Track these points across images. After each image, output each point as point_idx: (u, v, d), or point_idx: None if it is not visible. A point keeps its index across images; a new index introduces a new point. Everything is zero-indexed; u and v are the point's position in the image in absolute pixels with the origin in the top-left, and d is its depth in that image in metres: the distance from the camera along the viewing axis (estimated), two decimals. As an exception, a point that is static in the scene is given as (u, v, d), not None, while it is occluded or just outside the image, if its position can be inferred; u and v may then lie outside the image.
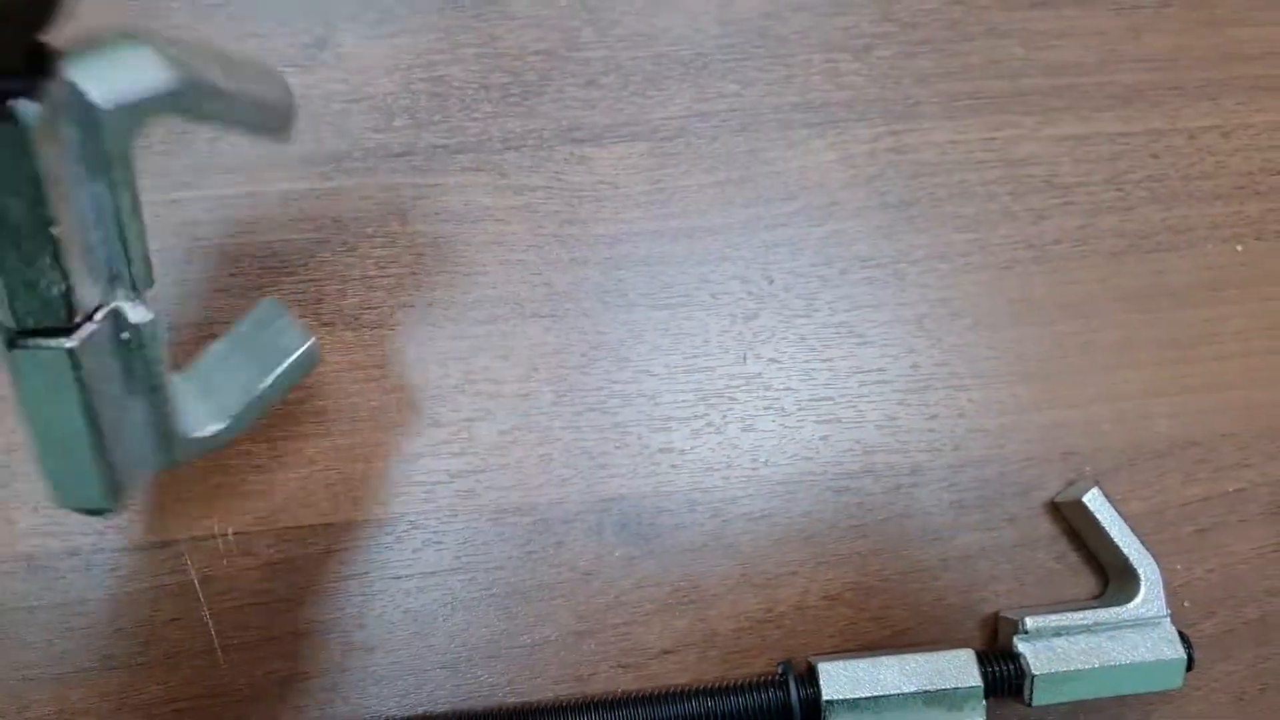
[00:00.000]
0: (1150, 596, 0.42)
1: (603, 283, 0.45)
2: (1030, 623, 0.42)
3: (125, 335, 0.29)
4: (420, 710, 0.42)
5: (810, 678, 0.41)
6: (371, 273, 0.44)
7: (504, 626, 0.43)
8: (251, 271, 0.44)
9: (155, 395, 0.30)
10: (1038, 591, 0.44)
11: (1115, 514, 0.43)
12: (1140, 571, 0.42)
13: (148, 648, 0.41)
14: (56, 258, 0.25)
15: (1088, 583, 0.45)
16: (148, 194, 0.44)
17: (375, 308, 0.44)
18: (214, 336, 0.43)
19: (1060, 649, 0.42)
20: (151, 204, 0.44)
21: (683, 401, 0.44)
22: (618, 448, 0.44)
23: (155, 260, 0.44)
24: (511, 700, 0.42)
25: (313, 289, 0.44)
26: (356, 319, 0.44)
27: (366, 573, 0.43)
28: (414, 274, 0.45)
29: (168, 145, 0.45)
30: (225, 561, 0.42)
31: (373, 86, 0.46)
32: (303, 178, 0.45)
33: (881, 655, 0.41)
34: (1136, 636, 0.42)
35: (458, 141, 0.46)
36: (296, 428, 0.43)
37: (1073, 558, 0.45)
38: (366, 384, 0.44)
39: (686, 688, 0.42)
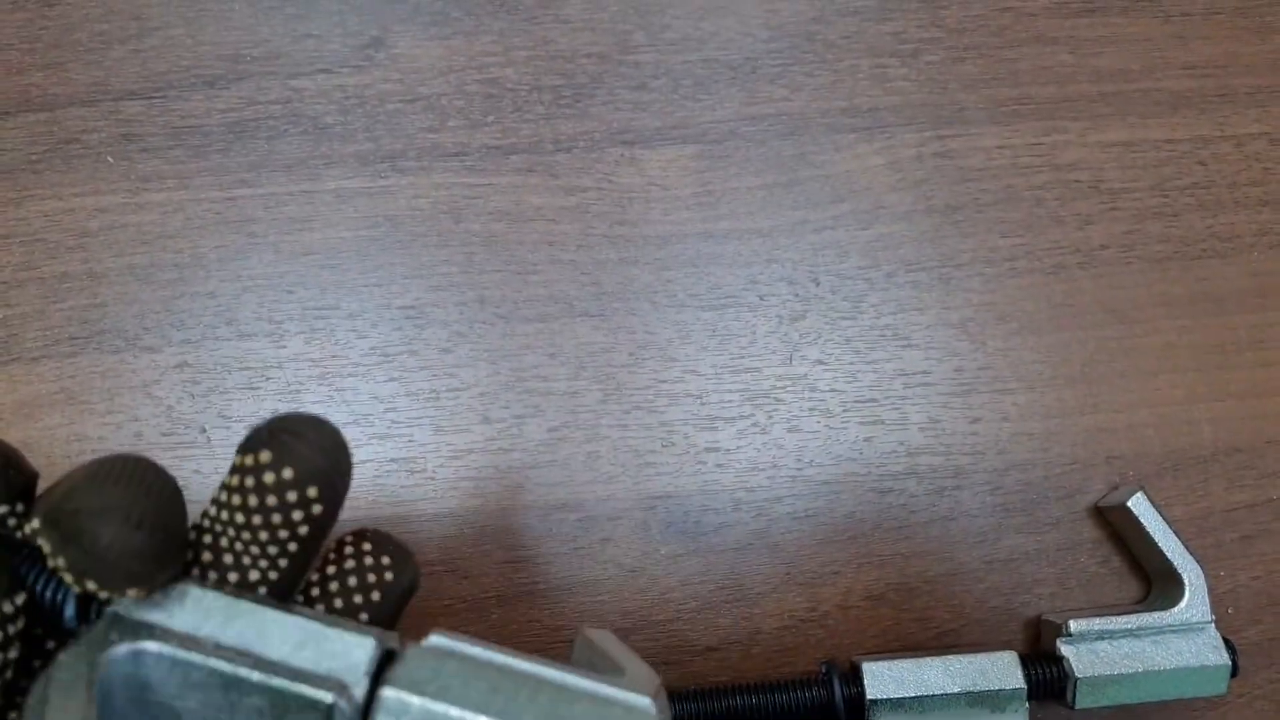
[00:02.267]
0: (1195, 601, 0.42)
1: (651, 283, 0.46)
2: (1074, 626, 0.42)
3: None
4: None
5: (854, 677, 0.41)
6: (424, 271, 0.45)
7: (549, 622, 0.43)
8: (306, 269, 0.45)
9: None
10: (1081, 595, 0.45)
11: (1160, 518, 0.43)
12: (1184, 576, 0.42)
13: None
14: None
15: (1131, 588, 0.45)
16: (208, 190, 0.45)
17: (429, 305, 0.45)
18: (269, 335, 0.44)
19: (1104, 653, 0.42)
20: (210, 200, 0.45)
21: (729, 401, 0.45)
22: (664, 446, 0.44)
23: (214, 256, 0.45)
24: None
25: (369, 286, 0.45)
26: (413, 316, 0.45)
27: (416, 566, 0.43)
28: (466, 272, 0.45)
29: (226, 143, 0.45)
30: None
31: (427, 87, 0.47)
32: (357, 176, 0.46)
33: (925, 656, 0.42)
34: (1181, 642, 0.42)
35: (510, 142, 0.46)
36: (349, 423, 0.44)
37: (1116, 562, 0.45)
38: (417, 379, 0.44)
39: (730, 685, 0.42)
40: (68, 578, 0.25)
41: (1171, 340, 0.47)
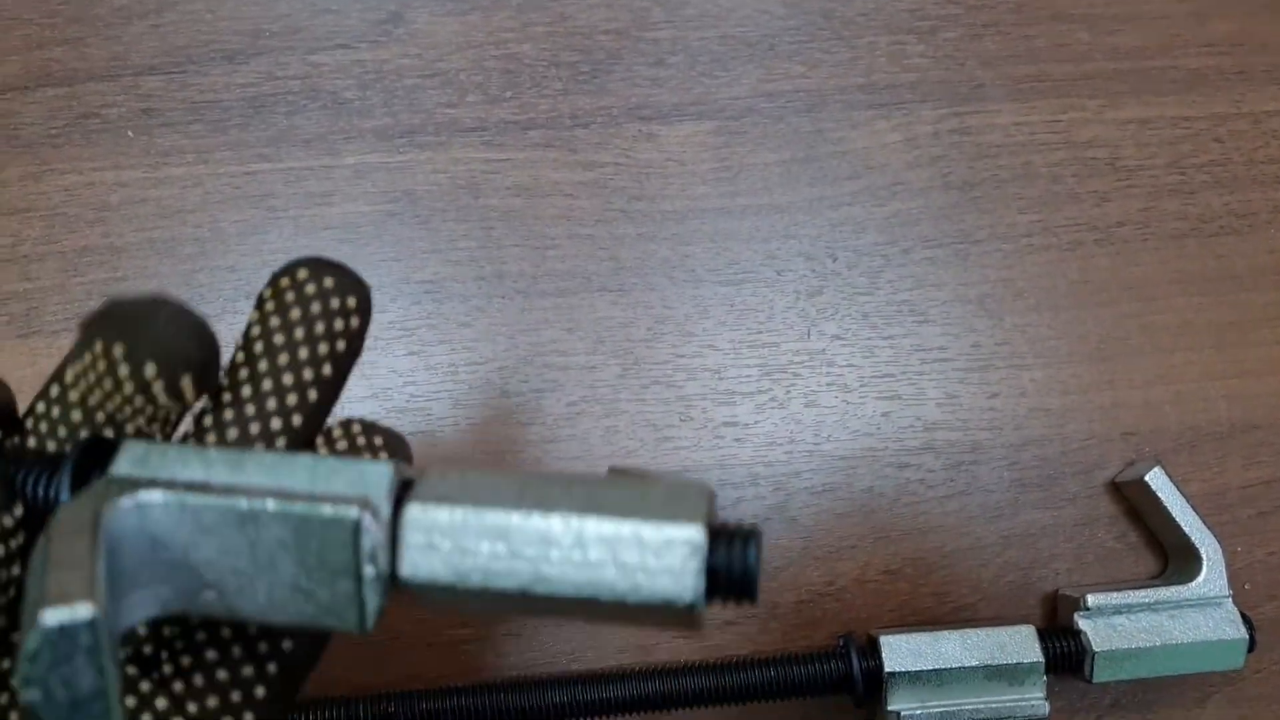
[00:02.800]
0: (1213, 575, 0.42)
1: (669, 258, 0.46)
2: (1092, 600, 0.42)
3: None
4: (487, 677, 0.43)
5: (871, 650, 0.42)
6: (443, 246, 0.45)
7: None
8: (326, 243, 0.45)
9: None
10: (1098, 571, 0.45)
11: (1177, 493, 0.43)
12: (1202, 551, 0.43)
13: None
14: None
15: (1148, 563, 0.45)
16: (227, 165, 0.45)
17: (448, 280, 0.45)
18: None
19: (1121, 627, 0.42)
20: (230, 175, 0.45)
21: (747, 376, 0.45)
22: (682, 420, 0.44)
23: (234, 230, 0.45)
24: (576, 668, 0.43)
25: (388, 261, 0.45)
26: (431, 291, 0.45)
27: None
28: (484, 247, 0.45)
29: (245, 118, 0.46)
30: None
31: (445, 62, 0.47)
32: (376, 151, 0.46)
33: (943, 629, 0.42)
34: (1198, 616, 0.42)
35: (528, 117, 0.46)
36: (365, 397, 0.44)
37: (1133, 537, 0.45)
38: (436, 352, 0.44)
39: (749, 658, 0.42)
40: (122, 370, 0.24)
41: (1188, 317, 0.47)
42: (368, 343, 0.44)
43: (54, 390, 0.26)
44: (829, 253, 0.46)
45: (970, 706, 0.41)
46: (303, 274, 0.27)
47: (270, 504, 0.23)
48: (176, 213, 0.45)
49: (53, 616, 0.20)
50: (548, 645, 0.43)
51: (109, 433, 0.26)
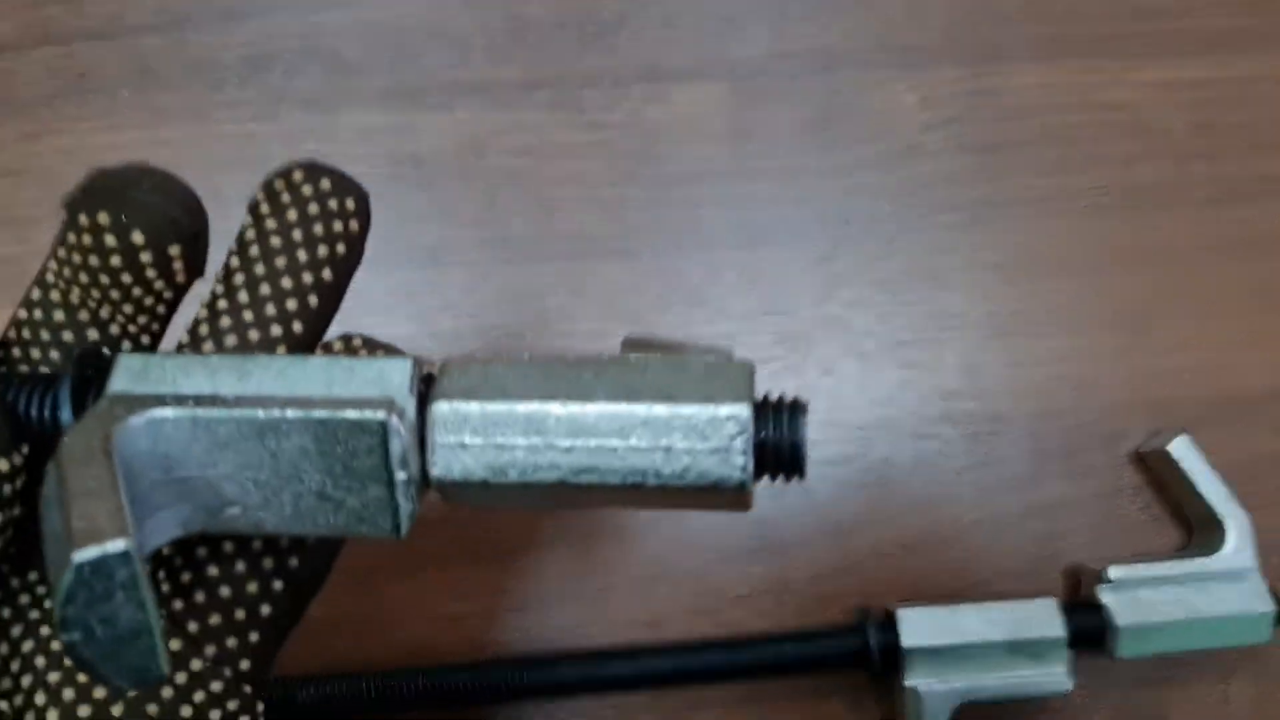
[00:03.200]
0: (1240, 547, 0.41)
1: (680, 222, 0.44)
2: (1114, 572, 0.41)
3: None
4: (490, 654, 0.42)
5: (889, 624, 0.40)
6: (447, 209, 0.44)
7: (574, 568, 0.42)
8: (326, 206, 0.44)
9: None
10: (1121, 543, 0.43)
11: (1203, 462, 0.42)
12: (1228, 522, 0.41)
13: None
14: None
15: (1172, 536, 0.44)
16: (224, 125, 0.44)
17: (452, 243, 0.44)
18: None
19: (1145, 600, 0.41)
20: (229, 136, 0.44)
21: (760, 343, 0.44)
22: (694, 389, 0.43)
23: (232, 193, 0.44)
24: (583, 644, 0.42)
25: (391, 224, 0.44)
26: (434, 254, 0.44)
27: (439, 510, 0.42)
28: (489, 211, 0.44)
29: (243, 78, 0.44)
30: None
31: (451, 22, 0.45)
32: (379, 112, 0.44)
33: (962, 603, 0.40)
34: (1224, 589, 0.41)
35: (535, 78, 0.45)
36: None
37: (1157, 509, 0.44)
38: (440, 319, 0.43)
39: (763, 634, 0.41)
40: (109, 239, 0.23)
41: (1214, 284, 0.45)
42: (367, 307, 0.43)
43: (35, 294, 0.25)
44: (843, 217, 0.45)
45: (990, 682, 0.40)
46: (298, 175, 0.25)
47: (289, 412, 0.22)
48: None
49: (84, 554, 0.19)
50: (554, 620, 0.42)
51: (94, 334, 0.25)
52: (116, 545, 0.19)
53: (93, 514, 0.19)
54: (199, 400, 0.22)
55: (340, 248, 0.25)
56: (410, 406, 0.23)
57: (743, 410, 0.22)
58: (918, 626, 0.40)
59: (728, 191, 0.45)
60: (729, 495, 0.22)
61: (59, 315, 0.25)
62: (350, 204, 0.26)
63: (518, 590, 0.42)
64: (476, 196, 0.44)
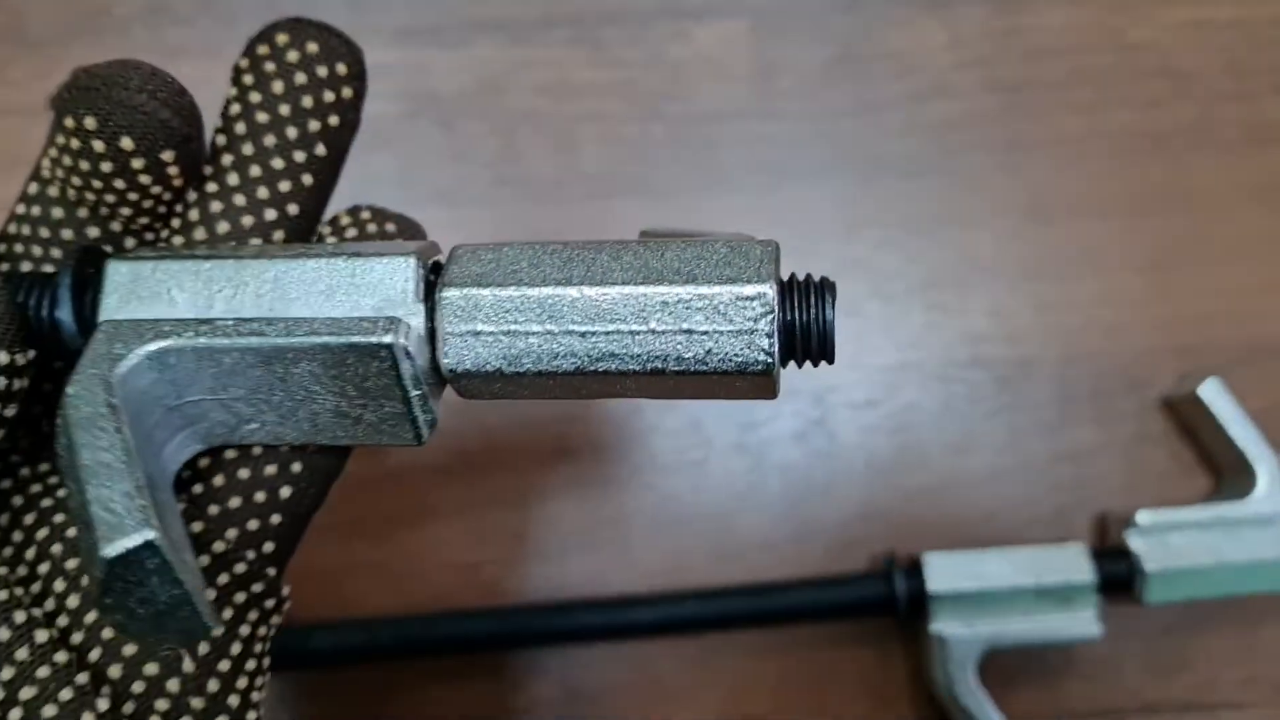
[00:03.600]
0: (1270, 491, 0.40)
1: (702, 162, 0.44)
2: (1143, 518, 0.40)
3: None
4: (509, 601, 0.41)
5: (914, 570, 0.40)
6: (465, 148, 0.43)
7: (597, 513, 0.42)
8: (342, 146, 0.43)
9: None
10: (1149, 490, 0.43)
11: (1234, 405, 0.41)
12: (1258, 466, 0.41)
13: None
14: None
15: (1200, 483, 0.43)
16: (239, 62, 0.43)
17: (470, 183, 0.43)
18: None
19: (1174, 545, 0.40)
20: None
21: (784, 286, 0.43)
22: (716, 332, 0.43)
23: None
24: (603, 592, 0.41)
25: (407, 164, 0.43)
26: (451, 195, 0.43)
27: (459, 454, 0.42)
28: (508, 150, 0.43)
29: (257, 13, 0.43)
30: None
31: (467, -43, 0.44)
32: (397, 50, 0.44)
33: (989, 549, 0.40)
34: (1254, 534, 0.40)
35: (554, 14, 0.44)
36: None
37: (1186, 456, 0.43)
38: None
39: (787, 580, 0.41)
40: (97, 145, 0.22)
41: (1245, 228, 0.44)
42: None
43: (32, 188, 0.25)
44: (870, 157, 0.44)
45: (1018, 628, 0.39)
46: (282, 39, 0.24)
47: (294, 339, 0.21)
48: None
49: (112, 550, 0.19)
50: (574, 567, 0.41)
51: (95, 231, 0.24)
52: (140, 538, 0.19)
53: (111, 502, 0.19)
54: (198, 327, 0.22)
55: (333, 119, 0.24)
56: (417, 316, 0.22)
57: (767, 290, 0.21)
58: (944, 572, 0.40)
59: (751, 130, 0.44)
60: (754, 381, 0.21)
61: (57, 212, 0.24)
62: (341, 68, 0.24)
63: (537, 537, 0.42)
64: (495, 135, 0.43)
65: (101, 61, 0.23)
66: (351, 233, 0.25)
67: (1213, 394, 0.41)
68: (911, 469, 0.42)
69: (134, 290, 0.22)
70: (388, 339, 0.21)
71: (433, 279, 0.22)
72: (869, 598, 0.40)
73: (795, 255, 0.43)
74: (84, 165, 0.23)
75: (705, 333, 0.21)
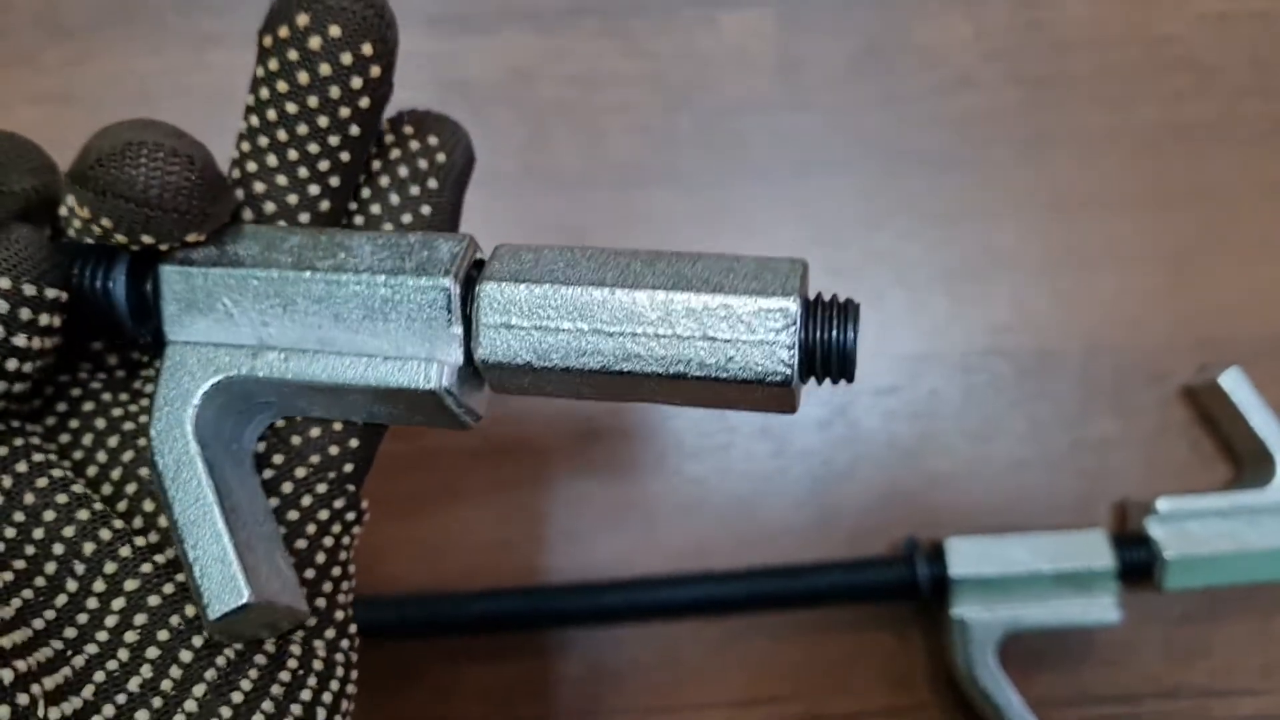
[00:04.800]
0: (1291, 481, 0.41)
1: (729, 152, 0.44)
2: (1162, 505, 0.41)
3: None
4: (536, 581, 0.42)
5: (936, 555, 0.40)
6: (494, 137, 0.44)
7: (622, 498, 0.42)
8: (374, 133, 0.43)
9: None
10: (1169, 480, 0.43)
11: (1254, 395, 0.41)
12: (1278, 455, 0.41)
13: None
14: None
15: (1221, 473, 0.44)
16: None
17: (499, 172, 0.43)
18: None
19: (1193, 533, 0.41)
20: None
21: (811, 274, 0.43)
22: (742, 320, 0.43)
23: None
24: (628, 573, 0.42)
25: (435, 152, 0.43)
26: (479, 184, 0.43)
27: (487, 438, 0.42)
28: (536, 139, 0.44)
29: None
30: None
31: (498, -52, 0.45)
32: (427, 38, 0.44)
33: (1010, 534, 0.40)
34: (1274, 522, 0.41)
35: (583, 5, 0.45)
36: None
37: (1206, 446, 0.44)
38: (487, 249, 0.43)
39: (809, 563, 0.41)
40: (119, 238, 0.22)
41: (1267, 222, 0.45)
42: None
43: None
44: (896, 148, 0.44)
45: (1037, 613, 0.40)
46: (303, 21, 0.23)
47: (350, 377, 0.23)
48: (221, 100, 0.43)
49: (217, 610, 0.22)
50: (600, 548, 0.42)
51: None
52: (239, 599, 0.22)
53: (208, 567, 0.22)
54: (253, 360, 0.23)
55: (363, 101, 0.24)
56: (455, 342, 0.23)
57: (790, 304, 0.22)
58: (966, 556, 0.40)
59: (777, 121, 0.44)
60: (773, 392, 0.22)
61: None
62: (367, 48, 0.23)
63: (564, 519, 0.42)
64: (524, 125, 0.44)
65: (120, 128, 0.22)
66: (396, 152, 0.26)
67: (1233, 383, 0.42)
68: (933, 456, 0.43)
69: (191, 300, 0.24)
70: (431, 384, 0.23)
71: (474, 274, 0.23)
72: (891, 581, 0.41)
73: (819, 246, 0.43)
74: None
75: (728, 340, 0.22)
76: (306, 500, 0.25)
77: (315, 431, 0.25)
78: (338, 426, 0.25)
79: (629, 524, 0.42)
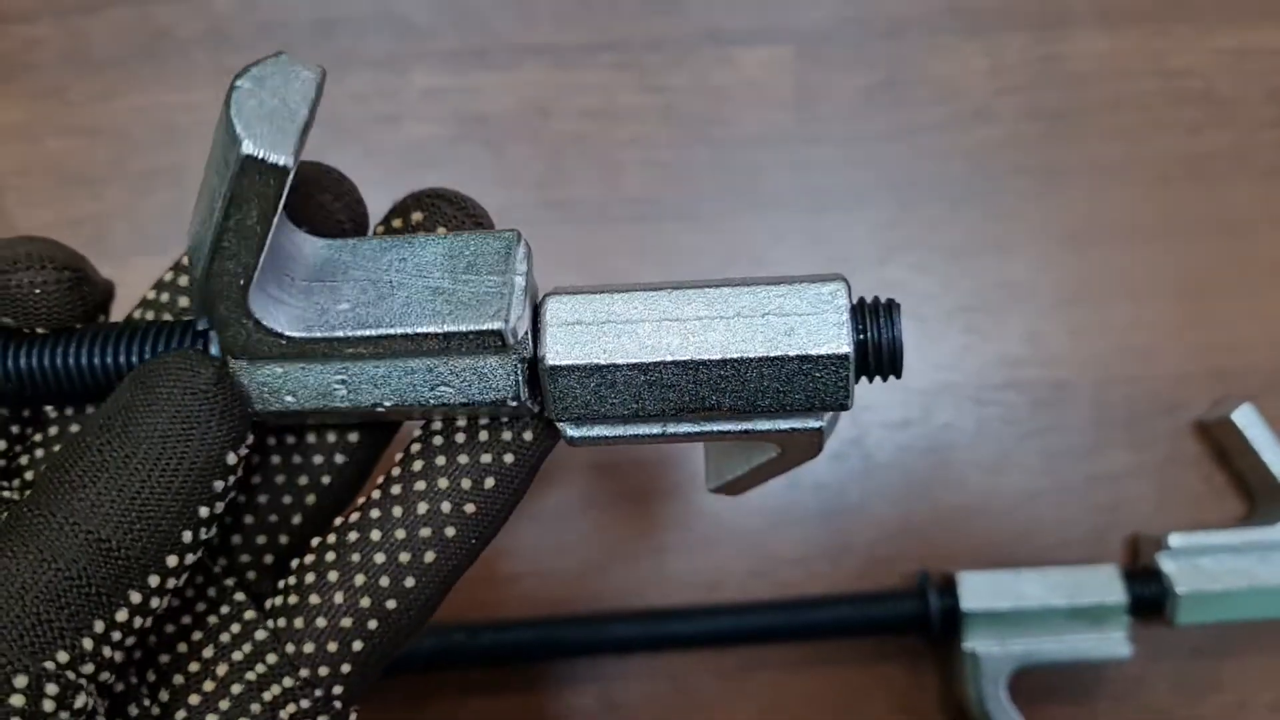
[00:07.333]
0: (1304, 517, 0.41)
1: (744, 185, 0.44)
2: (1174, 540, 0.41)
3: None
4: (547, 612, 0.42)
5: (948, 588, 0.41)
6: (511, 170, 0.44)
7: (634, 530, 0.43)
8: (394, 166, 0.44)
9: None
10: (1182, 513, 0.43)
11: (1267, 430, 0.42)
12: (1292, 492, 0.41)
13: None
14: None
15: (1233, 507, 0.44)
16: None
17: (516, 205, 0.44)
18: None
19: (1206, 568, 0.41)
20: (299, 95, 0.44)
21: (822, 308, 0.44)
22: (755, 352, 0.43)
23: (303, 153, 0.44)
24: (640, 605, 0.42)
25: (454, 186, 0.44)
26: (497, 217, 0.44)
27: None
28: (553, 172, 0.44)
29: (314, 40, 0.45)
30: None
31: (517, -16, 0.46)
32: (445, 73, 0.45)
33: (1022, 568, 0.41)
34: (1287, 559, 0.41)
35: (599, 40, 0.45)
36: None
37: (1219, 479, 0.44)
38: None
39: (822, 596, 0.42)
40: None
41: (1278, 254, 0.45)
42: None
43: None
44: (910, 181, 0.45)
45: (1049, 647, 0.40)
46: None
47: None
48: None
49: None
50: (611, 580, 0.42)
51: None
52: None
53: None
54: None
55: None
56: (524, 394, 0.24)
57: (841, 286, 0.23)
58: (978, 590, 0.40)
59: (792, 155, 0.45)
60: (830, 380, 0.22)
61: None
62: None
63: (576, 550, 0.43)
64: (541, 158, 0.44)
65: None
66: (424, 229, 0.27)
67: (1246, 419, 0.42)
68: (946, 489, 0.43)
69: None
70: (497, 325, 0.23)
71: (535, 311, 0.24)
72: (903, 614, 0.41)
73: (834, 278, 0.44)
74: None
75: (786, 315, 0.22)
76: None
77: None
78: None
79: (641, 555, 0.43)
